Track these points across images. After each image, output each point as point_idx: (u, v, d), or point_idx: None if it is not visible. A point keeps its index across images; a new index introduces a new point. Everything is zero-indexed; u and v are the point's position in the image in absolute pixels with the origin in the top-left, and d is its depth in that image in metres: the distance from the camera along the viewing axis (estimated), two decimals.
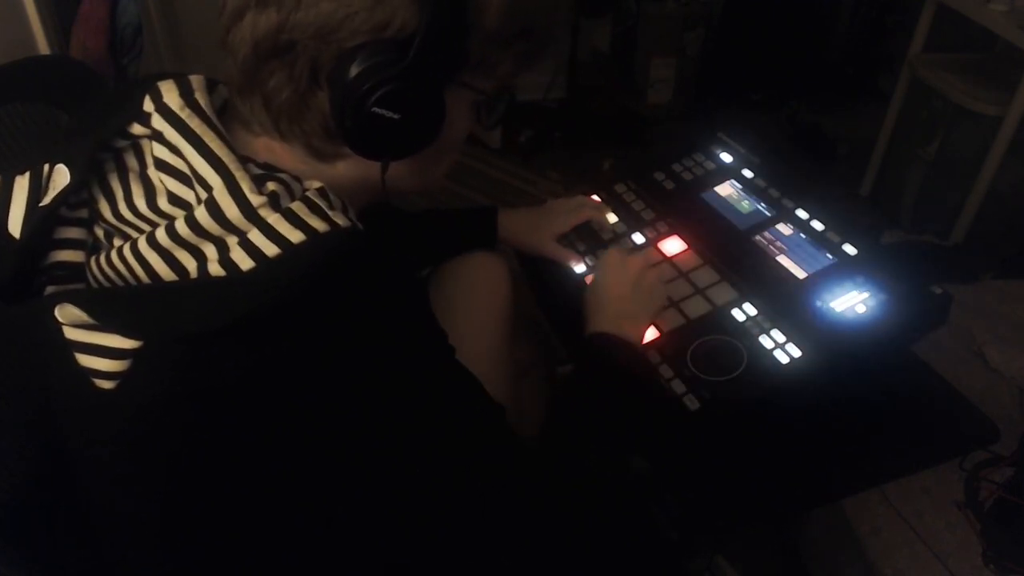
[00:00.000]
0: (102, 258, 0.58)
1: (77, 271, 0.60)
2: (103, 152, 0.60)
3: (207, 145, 0.56)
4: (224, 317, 0.52)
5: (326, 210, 0.55)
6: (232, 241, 0.54)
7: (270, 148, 0.62)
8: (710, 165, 1.10)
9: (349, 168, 0.63)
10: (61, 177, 0.57)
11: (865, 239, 0.93)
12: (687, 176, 1.09)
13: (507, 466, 0.64)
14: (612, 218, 1.05)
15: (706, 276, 0.95)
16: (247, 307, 0.52)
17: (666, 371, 0.84)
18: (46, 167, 0.59)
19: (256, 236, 0.53)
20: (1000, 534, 1.11)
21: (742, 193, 1.04)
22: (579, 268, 1.00)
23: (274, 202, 0.54)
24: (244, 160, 0.56)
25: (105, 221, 0.60)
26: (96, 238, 0.61)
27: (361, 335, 0.56)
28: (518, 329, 1.01)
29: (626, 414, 0.79)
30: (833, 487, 0.89)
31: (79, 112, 0.69)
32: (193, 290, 0.54)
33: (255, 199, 0.53)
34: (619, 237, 1.03)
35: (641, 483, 0.87)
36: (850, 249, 0.93)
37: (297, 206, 0.54)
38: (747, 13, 2.86)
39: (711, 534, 0.81)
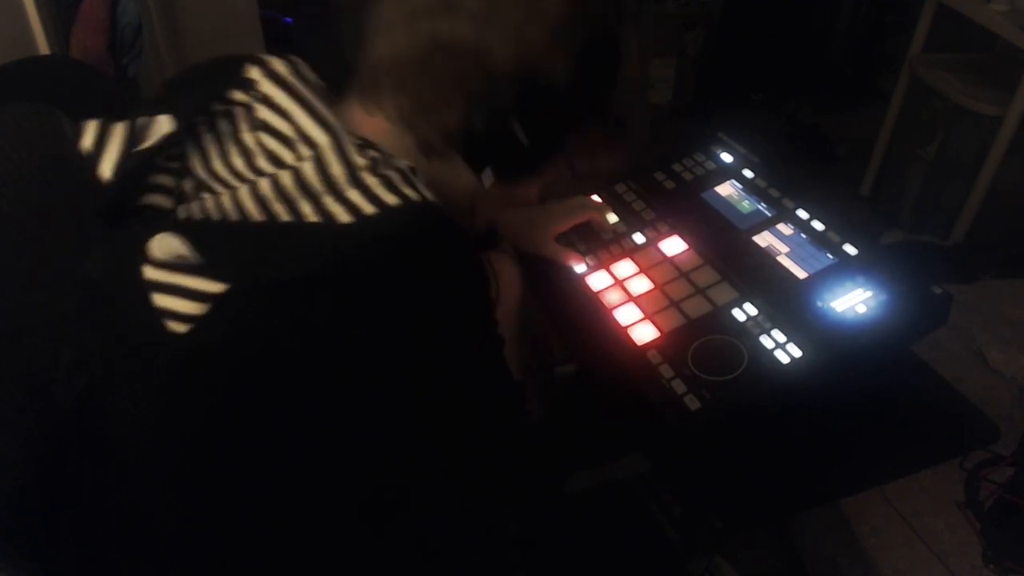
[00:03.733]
0: (194, 206, 0.61)
1: (165, 217, 0.62)
2: (198, 115, 0.63)
3: (316, 108, 0.59)
4: (320, 261, 0.55)
5: (417, 184, 0.59)
6: (329, 200, 0.57)
7: (382, 130, 0.65)
8: (710, 165, 1.10)
9: (442, 171, 0.66)
10: (163, 125, 0.60)
11: (865, 239, 0.93)
12: (687, 176, 1.09)
13: (513, 440, 0.66)
14: (612, 218, 1.05)
15: (706, 276, 0.95)
16: (342, 254, 0.55)
17: (666, 371, 0.84)
18: (142, 119, 0.62)
19: (354, 195, 0.57)
20: (1000, 534, 1.11)
21: (742, 193, 1.04)
22: (579, 268, 1.00)
23: (374, 167, 0.58)
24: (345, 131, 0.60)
25: (194, 176, 0.63)
26: (183, 190, 0.63)
27: (434, 301, 0.58)
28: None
29: (626, 414, 0.79)
30: (833, 487, 0.89)
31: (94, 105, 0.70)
32: (295, 231, 0.57)
33: (359, 160, 0.57)
34: (619, 237, 1.03)
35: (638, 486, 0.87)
36: (850, 249, 0.93)
37: (393, 174, 0.58)
38: (747, 13, 2.86)
39: (711, 534, 0.81)
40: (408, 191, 0.58)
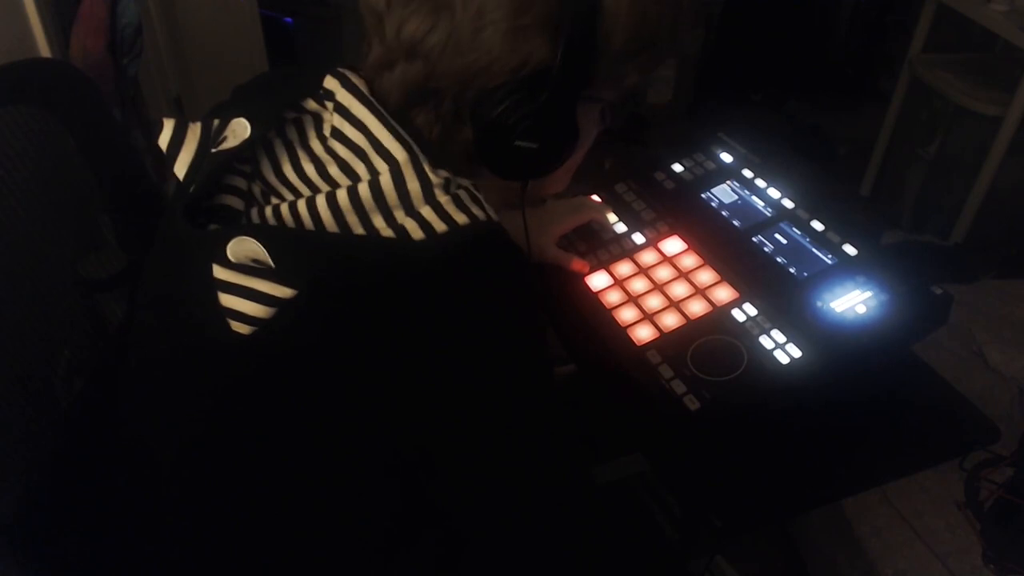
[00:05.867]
0: (267, 211, 0.62)
1: (236, 218, 0.63)
2: (270, 120, 0.63)
3: (393, 124, 0.60)
4: (389, 274, 0.56)
5: (483, 202, 0.60)
6: (400, 214, 0.58)
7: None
8: (710, 165, 1.10)
9: (485, 184, 0.66)
10: (242, 129, 0.62)
11: (865, 239, 0.93)
12: (687, 176, 1.09)
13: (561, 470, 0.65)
14: (612, 218, 1.05)
15: (706, 276, 0.95)
16: (412, 269, 0.56)
17: (666, 371, 0.84)
18: (216, 120, 0.63)
19: (427, 212, 0.58)
20: (1000, 534, 1.11)
21: (742, 193, 1.04)
22: (583, 272, 1.00)
23: (446, 185, 0.59)
24: None
25: (264, 180, 0.64)
26: (252, 194, 0.64)
27: (491, 317, 0.59)
28: None
29: (626, 414, 0.79)
30: (833, 487, 0.89)
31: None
32: (368, 244, 0.58)
33: (434, 178, 0.58)
34: (619, 237, 1.03)
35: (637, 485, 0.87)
36: (850, 249, 0.93)
37: (462, 193, 0.59)
38: (747, 13, 2.86)
39: (711, 534, 0.81)
40: (476, 210, 0.59)
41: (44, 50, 1.42)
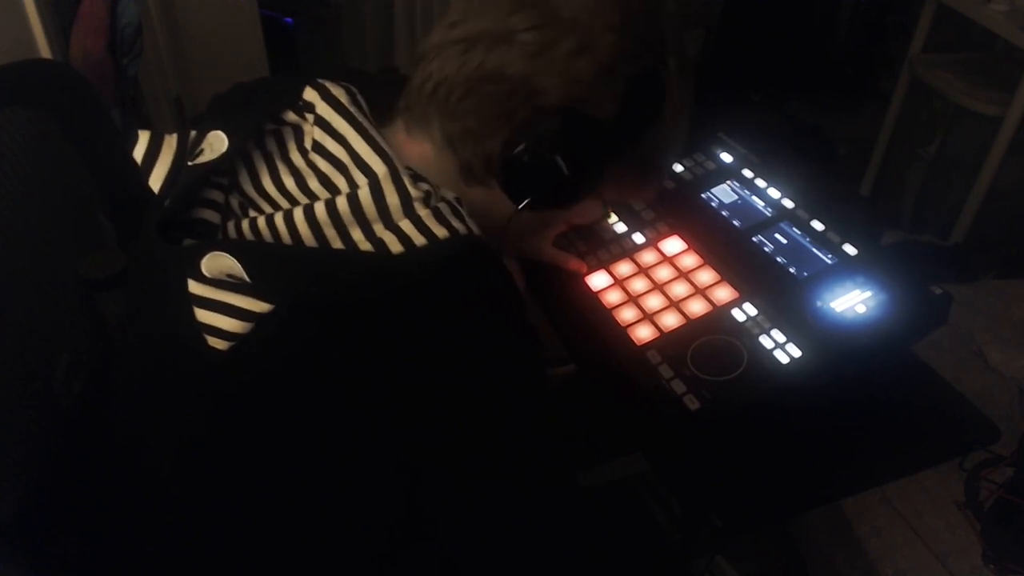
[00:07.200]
0: (244, 224, 0.61)
1: (213, 231, 0.62)
2: (249, 132, 0.63)
3: (373, 137, 0.60)
4: (368, 288, 0.55)
5: (464, 216, 0.60)
6: (379, 228, 0.58)
7: (424, 154, 0.67)
8: (710, 165, 1.10)
9: (481, 197, 0.67)
10: (219, 142, 0.61)
11: (865, 239, 0.93)
12: (687, 176, 1.09)
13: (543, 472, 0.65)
14: (612, 217, 1.05)
15: (706, 276, 0.95)
16: (390, 282, 0.56)
17: (666, 371, 0.84)
18: (193, 132, 0.63)
19: (406, 225, 0.57)
20: (1000, 534, 1.11)
21: (742, 193, 1.04)
22: (580, 271, 1.00)
23: (426, 199, 0.58)
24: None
25: (242, 192, 0.63)
26: (230, 206, 0.64)
27: (473, 331, 0.58)
28: None
29: (626, 414, 0.79)
30: (833, 487, 0.89)
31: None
32: (348, 260, 0.58)
33: (414, 192, 0.58)
34: (619, 237, 1.03)
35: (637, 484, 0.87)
36: (850, 249, 0.93)
37: (443, 206, 0.59)
38: (747, 13, 2.86)
39: (712, 534, 0.81)
40: (456, 223, 0.59)
41: (44, 50, 1.42)
